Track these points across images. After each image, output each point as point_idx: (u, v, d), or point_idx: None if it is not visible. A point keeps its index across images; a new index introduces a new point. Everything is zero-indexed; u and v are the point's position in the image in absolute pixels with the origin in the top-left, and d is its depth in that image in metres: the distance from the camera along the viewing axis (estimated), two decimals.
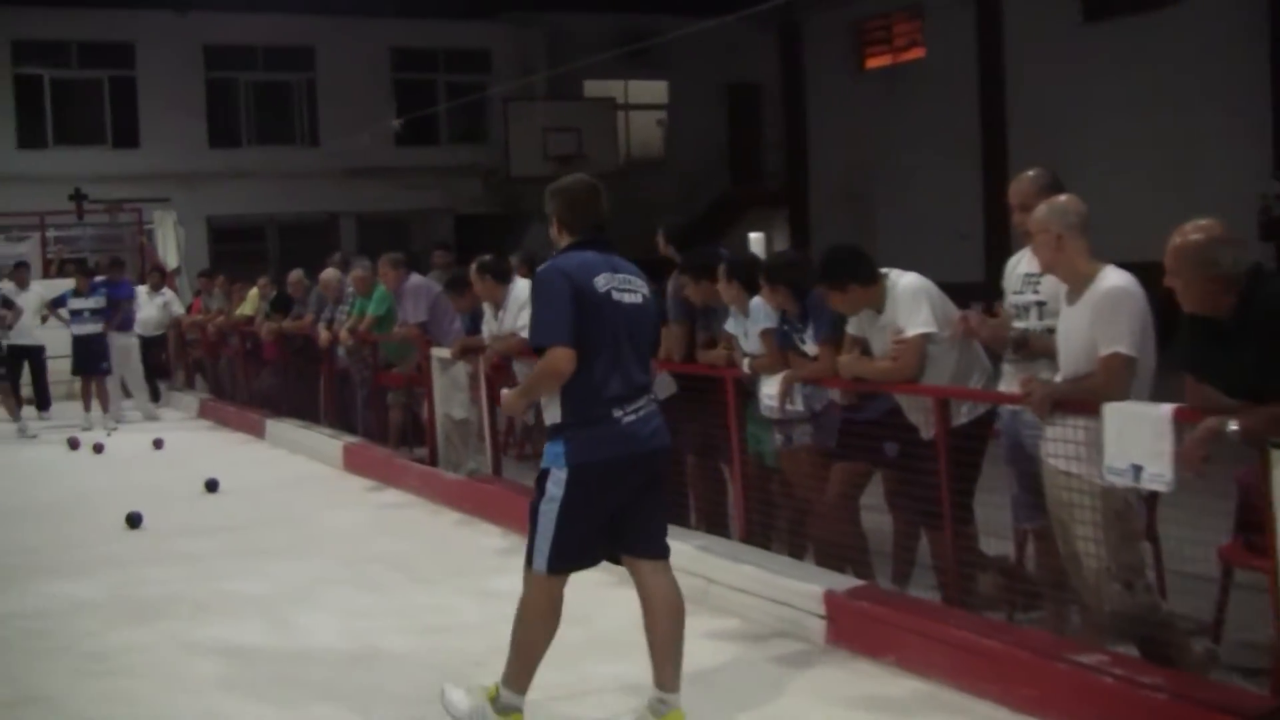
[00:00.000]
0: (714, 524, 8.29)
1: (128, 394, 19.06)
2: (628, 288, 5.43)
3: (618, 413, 5.32)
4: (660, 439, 5.49)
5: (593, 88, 32.03)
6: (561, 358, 5.22)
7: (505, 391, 5.75)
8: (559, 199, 5.59)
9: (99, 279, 18.58)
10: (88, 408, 17.53)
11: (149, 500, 11.84)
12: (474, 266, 10.52)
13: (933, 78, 27.96)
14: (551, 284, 5.30)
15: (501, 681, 5.56)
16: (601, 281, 5.34)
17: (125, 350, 18.24)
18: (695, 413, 8.36)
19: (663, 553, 5.63)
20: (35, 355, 18.52)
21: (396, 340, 12.63)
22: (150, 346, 19.43)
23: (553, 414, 5.40)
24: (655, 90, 33.67)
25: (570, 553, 5.40)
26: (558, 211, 5.58)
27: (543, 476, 5.39)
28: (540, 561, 5.39)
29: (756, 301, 7.67)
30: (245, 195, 29.16)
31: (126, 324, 18.14)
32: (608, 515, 5.45)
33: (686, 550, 7.79)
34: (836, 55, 30.96)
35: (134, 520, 11.33)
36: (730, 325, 7.99)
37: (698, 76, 32.19)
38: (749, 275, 7.71)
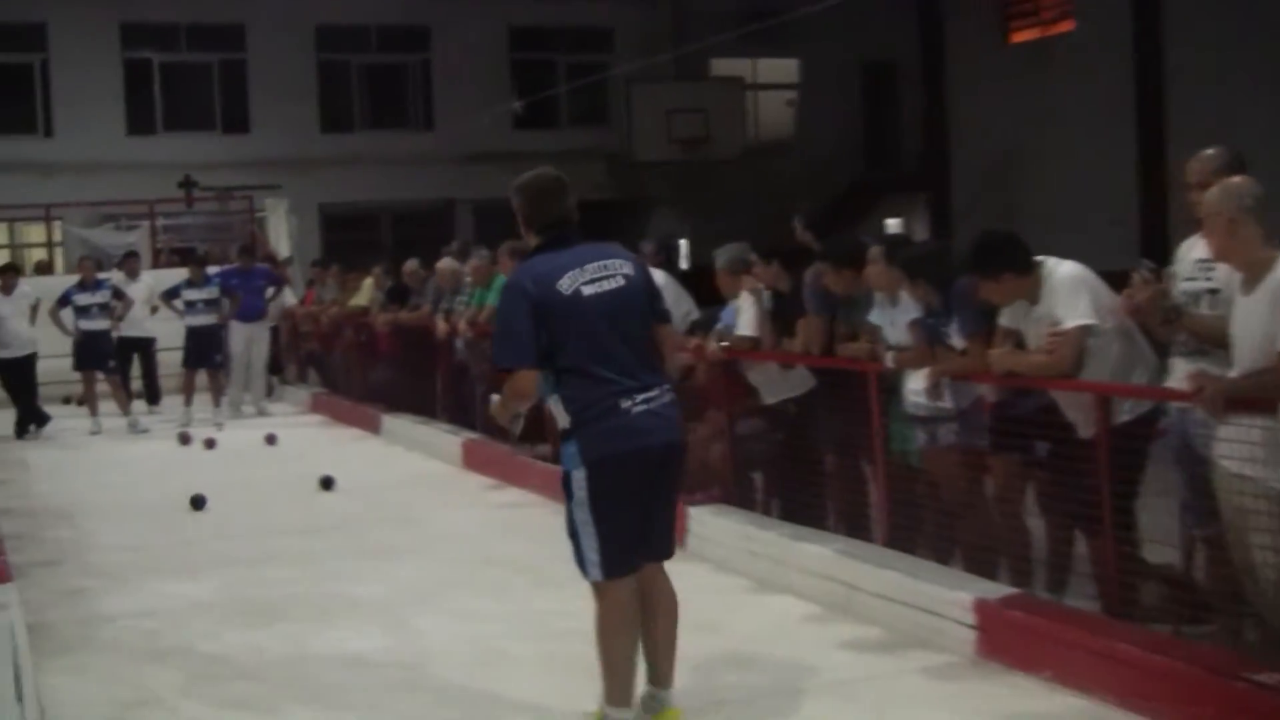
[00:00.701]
0: (855, 527, 8.23)
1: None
2: (601, 275, 5.50)
3: (625, 403, 5.39)
4: (670, 433, 5.53)
5: (720, 67, 31.95)
6: (521, 380, 5.40)
7: (493, 398, 5.79)
8: (520, 195, 5.69)
9: (215, 269, 18.91)
10: (189, 401, 17.84)
11: (263, 498, 12.07)
12: None
13: (1084, 51, 27.52)
14: (508, 303, 5.48)
15: (605, 701, 5.60)
16: (566, 282, 5.42)
17: (252, 341, 18.48)
18: (835, 409, 8.29)
19: (667, 553, 5.72)
20: (145, 347, 18.93)
21: None
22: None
23: (561, 419, 5.49)
24: (785, 69, 33.51)
25: (618, 553, 5.47)
26: (520, 209, 5.69)
27: (565, 482, 5.50)
28: (594, 571, 5.50)
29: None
30: (358, 182, 29.50)
31: (251, 312, 18.36)
32: (640, 507, 5.50)
33: (826, 555, 7.75)
34: (979, 29, 30.60)
35: (198, 503, 11.64)
36: (874, 316, 7.92)
37: (830, 54, 31.98)
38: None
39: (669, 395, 5.55)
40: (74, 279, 18.20)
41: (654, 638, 5.69)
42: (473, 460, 13.05)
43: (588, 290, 5.43)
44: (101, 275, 18.38)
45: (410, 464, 13.85)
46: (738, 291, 9.30)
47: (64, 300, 17.59)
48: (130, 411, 17.49)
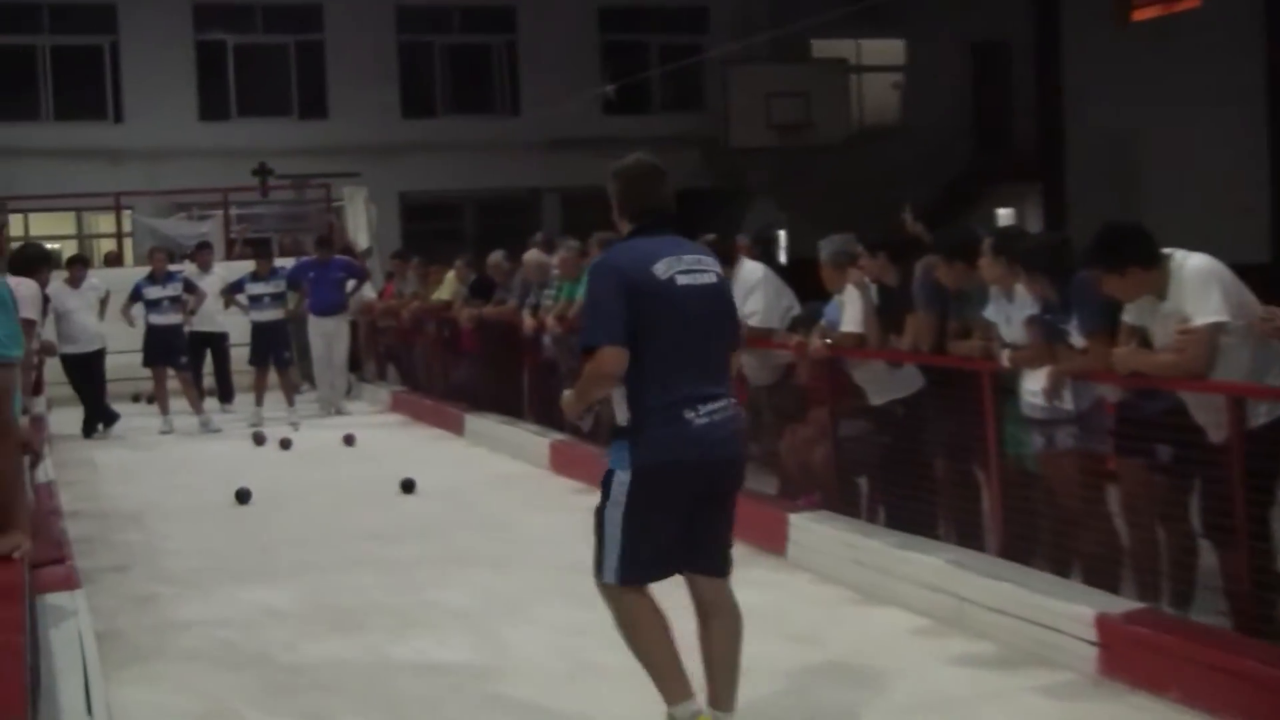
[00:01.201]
0: (967, 536, 8.18)
1: (312, 384, 19.60)
2: (696, 268, 5.51)
3: (689, 413, 5.39)
4: (731, 448, 5.54)
5: (821, 48, 31.86)
6: (608, 358, 5.35)
7: (565, 393, 5.78)
8: (617, 181, 5.71)
9: (283, 262, 19.09)
10: (260, 400, 18.03)
11: (342, 501, 12.17)
12: None
13: (1210, 30, 27.15)
14: (600, 280, 5.46)
15: (667, 704, 5.65)
16: (662, 268, 5.42)
17: (331, 336, 18.62)
18: (946, 411, 8.26)
19: (722, 570, 5.72)
20: (218, 343, 19.15)
21: None
22: None
23: (621, 414, 5.51)
24: (891, 50, 33.36)
25: (641, 562, 5.49)
26: (616, 194, 5.70)
27: (607, 479, 5.52)
28: (609, 573, 5.53)
29: (1022, 285, 7.53)
30: (440, 169, 29.69)
31: (329, 306, 18.51)
32: (678, 522, 5.50)
33: (936, 565, 7.71)
34: (1098, 6, 30.28)
35: (243, 497, 11.93)
36: (989, 312, 7.86)
37: (939, 34, 31.79)
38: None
39: (733, 408, 5.57)
40: (144, 271, 18.45)
41: (711, 657, 5.70)
42: (561, 462, 13.09)
43: (683, 280, 5.44)
44: (173, 267, 18.65)
45: (495, 466, 13.91)
46: (842, 285, 9.27)
47: (134, 294, 17.84)
48: (202, 410, 17.71)
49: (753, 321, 10.16)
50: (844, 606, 8.11)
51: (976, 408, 7.87)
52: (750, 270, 10.40)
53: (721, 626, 5.70)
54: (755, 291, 10.26)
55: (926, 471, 8.45)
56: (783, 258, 28.13)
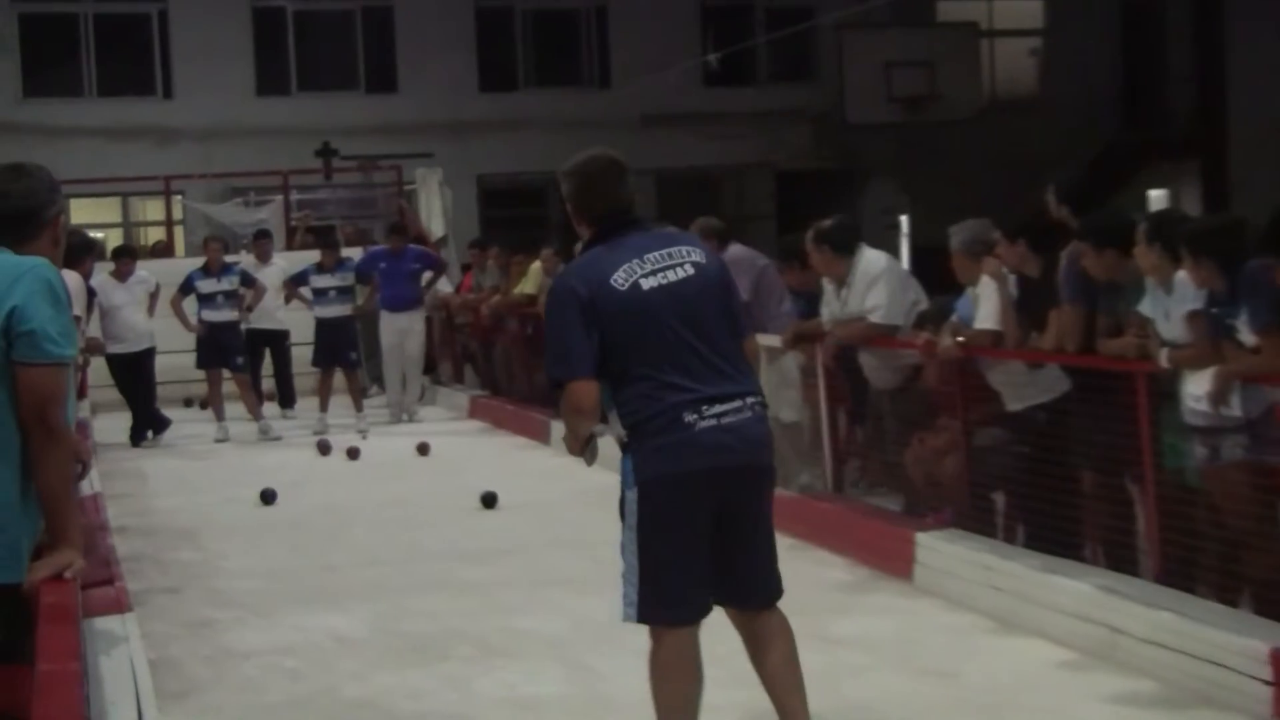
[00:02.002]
0: (1119, 558, 8.11)
1: (381, 387, 19.72)
2: (663, 265, 5.56)
3: (690, 416, 5.41)
4: (749, 453, 5.52)
5: (948, 10, 31.72)
6: (578, 393, 5.45)
7: (564, 433, 5.80)
8: (569, 182, 5.80)
9: (349, 252, 19.21)
10: (324, 406, 18.15)
11: (416, 517, 12.25)
12: (810, 234, 10.54)
13: None
14: (556, 308, 5.55)
15: None
16: (621, 277, 5.49)
17: (405, 334, 18.71)
18: (1094, 418, 8.19)
19: (764, 602, 5.74)
20: (278, 342, 19.33)
21: None
22: None
23: (617, 429, 5.56)
24: (1028, 12, 33.14)
25: (665, 598, 5.51)
26: (570, 197, 5.79)
27: (620, 503, 5.58)
28: (629, 611, 5.59)
29: (1182, 276, 7.46)
30: (523, 149, 29.73)
31: (403, 301, 18.60)
32: (700, 545, 5.50)
33: (1084, 591, 7.66)
34: None
35: (268, 497, 12.19)
36: (1144, 306, 7.79)
37: None
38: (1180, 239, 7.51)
39: (755, 409, 5.57)
40: (197, 262, 18.64)
41: (775, 688, 5.76)
42: None
43: (648, 283, 5.51)
44: (229, 258, 18.81)
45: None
46: (977, 277, 9.23)
47: (186, 287, 18.01)
48: (261, 416, 17.89)
49: (874, 318, 10.13)
50: (979, 637, 8.06)
51: (1130, 414, 7.80)
52: (871, 260, 10.37)
53: (778, 655, 5.75)
54: (877, 284, 10.23)
55: (1072, 485, 8.39)
56: (905, 246, 28.00)
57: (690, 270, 5.57)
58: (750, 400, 5.54)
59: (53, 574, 4.51)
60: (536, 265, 17.77)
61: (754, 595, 5.70)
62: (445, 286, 20.51)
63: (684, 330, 5.49)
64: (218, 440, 17.49)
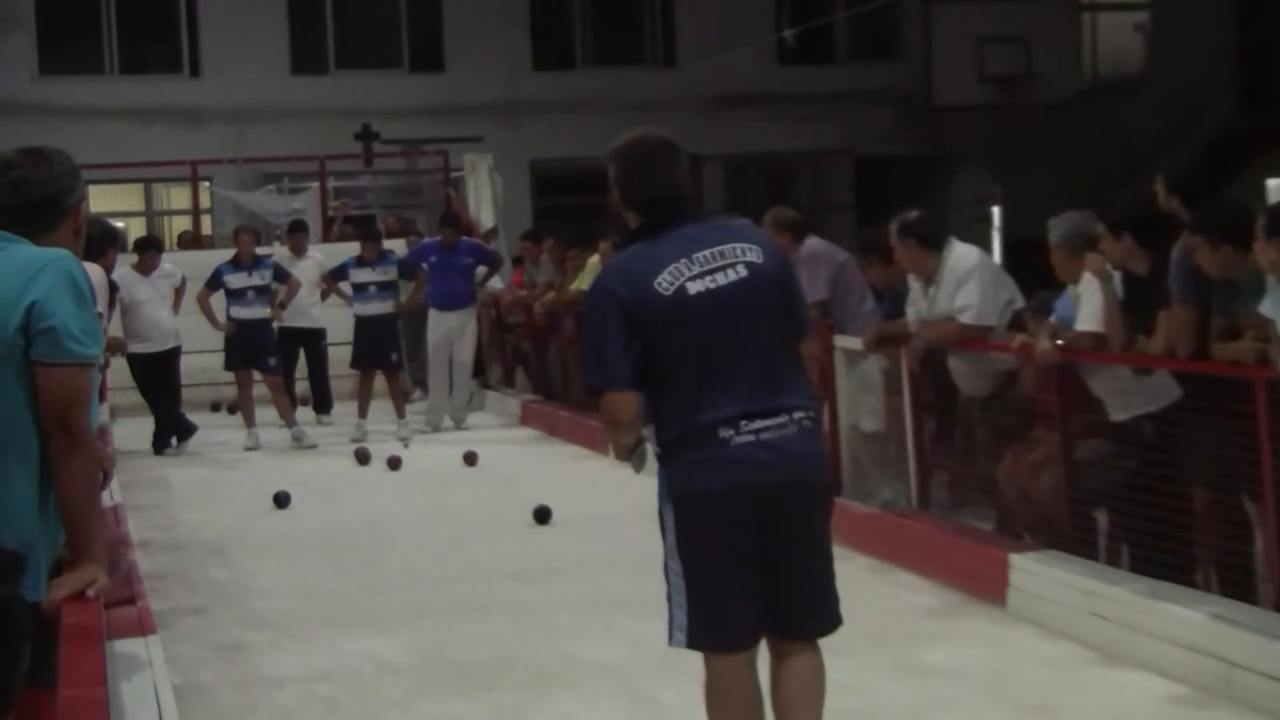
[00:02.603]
0: (1235, 584, 8.06)
1: (424, 390, 19.77)
2: (714, 266, 5.51)
3: (725, 432, 5.42)
4: (792, 470, 5.49)
5: None
6: (615, 405, 5.46)
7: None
8: (615, 165, 5.76)
9: (394, 245, 19.25)
10: (363, 412, 18.25)
11: (464, 533, 12.29)
12: (895, 227, 10.53)
13: None
14: (595, 310, 5.56)
15: None
16: (666, 279, 5.46)
17: (455, 334, 18.80)
18: (1208, 429, 8.14)
19: (813, 630, 5.69)
20: (313, 341, 19.44)
21: None
22: None
23: (653, 440, 5.60)
24: None
25: (710, 621, 5.51)
26: (616, 182, 5.76)
27: (660, 518, 5.64)
28: (677, 636, 5.60)
29: None
30: (581, 132, 29.64)
31: (455, 297, 18.63)
32: (743, 569, 5.49)
33: (1196, 620, 7.61)
34: None
35: (281, 500, 12.49)
36: (1265, 306, 7.74)
37: None
38: None
39: (801, 423, 5.53)
40: (226, 255, 18.72)
41: (782, 705, 5.70)
42: None
43: (695, 287, 5.48)
44: (261, 251, 18.91)
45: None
46: (1078, 274, 9.19)
47: (214, 282, 18.10)
48: (295, 422, 17.98)
49: (965, 318, 10.11)
50: (1080, 668, 8.02)
51: (1248, 425, 7.74)
52: (961, 255, 10.34)
53: (799, 701, 5.67)
54: (968, 281, 10.20)
55: (1182, 504, 8.33)
56: (997, 240, 27.93)
57: (743, 272, 5.53)
58: (798, 415, 5.51)
59: (75, 592, 4.54)
60: (594, 259, 17.76)
61: (802, 625, 5.65)
62: (496, 283, 20.58)
63: (730, 340, 5.47)
64: (248, 448, 17.61)
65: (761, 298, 5.55)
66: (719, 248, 5.55)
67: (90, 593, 4.56)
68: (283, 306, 18.33)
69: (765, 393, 5.47)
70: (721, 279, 5.50)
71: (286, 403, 18.13)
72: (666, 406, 5.49)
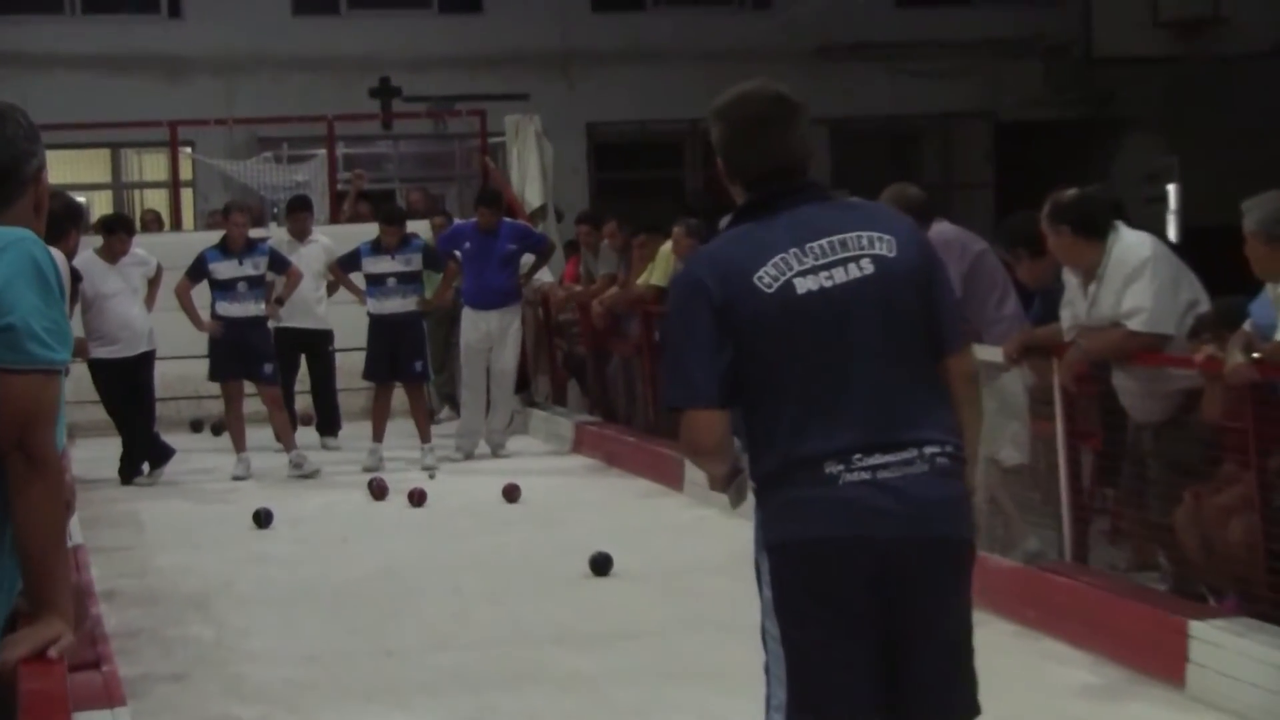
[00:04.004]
0: None
1: (454, 408, 19.80)
2: (833, 259, 5.39)
3: (833, 467, 5.31)
4: (922, 521, 5.34)
5: None
6: (696, 426, 5.40)
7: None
8: (717, 126, 5.69)
9: (418, 227, 19.25)
10: (379, 434, 18.20)
11: (504, 585, 12.30)
12: (1046, 210, 10.47)
13: None
14: (680, 305, 5.55)
15: None
16: (770, 273, 5.37)
17: (496, 338, 18.78)
18: None
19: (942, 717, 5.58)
20: (317, 346, 19.52)
21: None
22: None
23: (749, 472, 5.55)
24: None
25: (810, 699, 5.42)
26: (719, 147, 5.69)
27: (756, 569, 5.58)
28: (775, 716, 5.52)
29: None
30: (651, 89, 29.82)
31: (494, 293, 18.61)
32: (854, 640, 5.36)
33: None
34: None
35: (262, 519, 12.88)
36: None
37: None
38: None
39: (935, 460, 5.38)
40: (212, 238, 18.72)
41: None
42: None
43: (805, 285, 5.37)
44: (255, 234, 18.87)
45: (731, 536, 13.83)
46: None
47: (198, 270, 18.00)
48: (294, 444, 18.01)
49: (1134, 324, 10.05)
50: None
51: None
52: (1131, 246, 10.27)
53: None
54: (1139, 279, 10.14)
55: None
56: (1175, 226, 27.84)
57: (868, 268, 5.40)
58: (930, 450, 5.37)
59: (34, 651, 4.53)
60: (666, 247, 17.72)
61: (931, 708, 5.55)
62: (545, 275, 20.51)
63: (846, 352, 5.36)
64: (236, 478, 17.63)
65: (891, 300, 5.41)
66: (840, 236, 5.43)
67: (53, 653, 4.52)
68: (280, 303, 18.28)
69: (889, 420, 5.36)
70: (840, 275, 5.38)
71: (285, 420, 18.12)
72: (763, 432, 5.41)
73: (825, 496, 5.30)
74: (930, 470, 5.38)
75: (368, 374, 18.64)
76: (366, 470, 17.45)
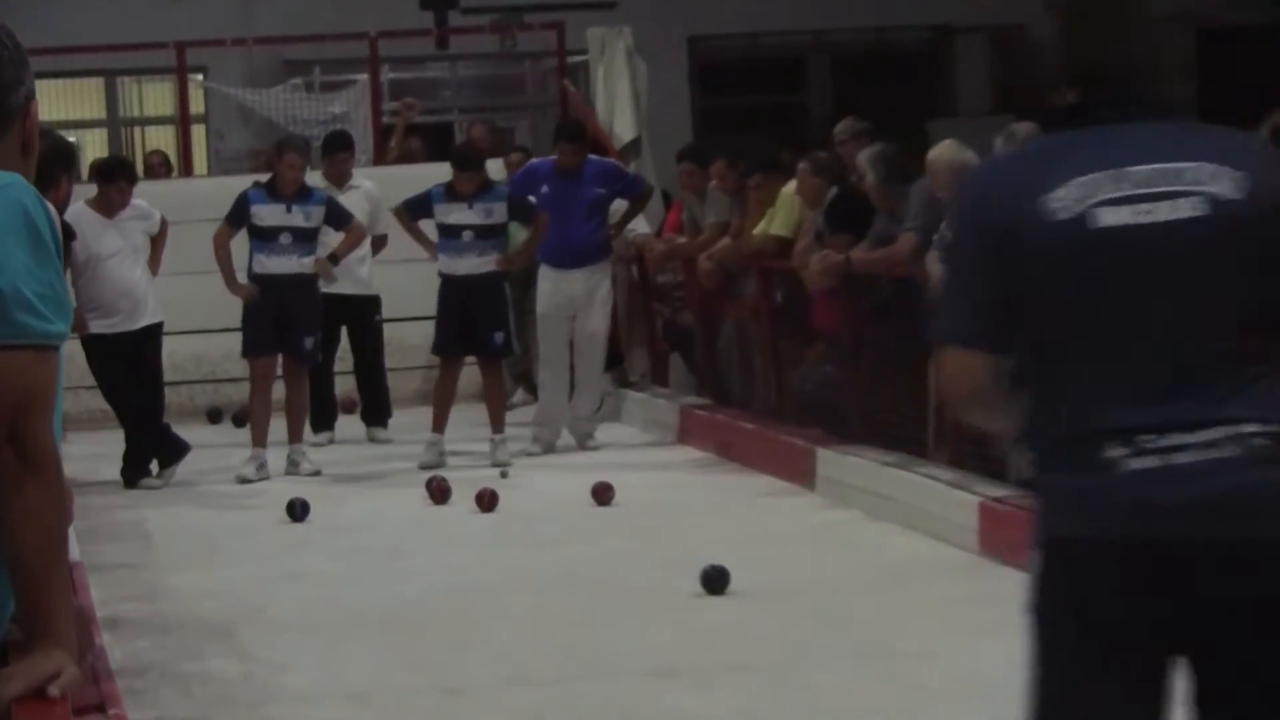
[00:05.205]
0: None
1: (529, 390, 19.95)
2: (1156, 191, 5.09)
3: (1118, 449, 4.98)
4: (1243, 520, 4.96)
5: None
6: (953, 367, 5.30)
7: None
8: (1056, 18, 5.48)
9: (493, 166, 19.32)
10: (440, 423, 18.18)
11: (594, 606, 12.31)
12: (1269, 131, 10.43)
13: None
14: (958, 227, 5.49)
15: None
16: (1069, 196, 5.10)
17: (581, 303, 18.86)
18: None
19: None
20: (361, 315, 19.61)
21: None
22: None
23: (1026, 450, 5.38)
24: None
25: None
26: (1049, 45, 5.50)
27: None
28: None
29: None
30: None
31: (577, 249, 18.65)
32: (1130, 680, 5.06)
33: None
34: None
35: (297, 511, 13.21)
36: None
37: None
38: None
39: (1253, 444, 5.03)
40: (228, 187, 18.91)
41: None
42: (1001, 540, 13.02)
43: (1113, 217, 5.09)
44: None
45: (877, 544, 13.91)
46: None
47: (239, 214, 17.94)
48: (300, 436, 18.01)
49: None
50: None
51: None
52: None
53: None
54: None
55: None
56: None
57: (1201, 208, 5.11)
58: (1248, 429, 5.03)
59: (31, 689, 4.54)
60: (789, 189, 17.73)
61: None
62: (641, 225, 20.56)
63: (1154, 305, 5.10)
64: (242, 480, 17.62)
65: (1223, 250, 5.13)
66: (1175, 165, 5.15)
67: (53, 690, 4.52)
68: (335, 261, 18.14)
69: (1195, 392, 5.07)
70: (1162, 212, 5.10)
71: (303, 406, 18.18)
72: (1037, 398, 5.22)
73: (1102, 485, 5.03)
74: (1244, 455, 5.04)
75: (439, 348, 18.66)
76: (424, 468, 17.55)
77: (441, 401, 18.38)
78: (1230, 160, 5.13)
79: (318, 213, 17.95)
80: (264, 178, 18.55)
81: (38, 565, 4.54)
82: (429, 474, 16.97)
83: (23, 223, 4.50)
